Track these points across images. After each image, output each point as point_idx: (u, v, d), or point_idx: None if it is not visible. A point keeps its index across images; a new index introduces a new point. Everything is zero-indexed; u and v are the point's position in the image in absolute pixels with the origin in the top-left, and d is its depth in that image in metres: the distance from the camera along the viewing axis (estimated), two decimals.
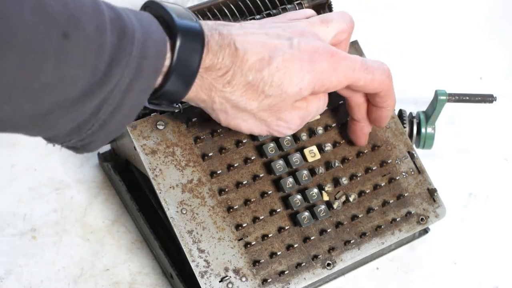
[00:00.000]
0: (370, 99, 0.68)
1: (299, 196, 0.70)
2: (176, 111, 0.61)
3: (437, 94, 0.80)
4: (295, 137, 0.72)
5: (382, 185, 0.74)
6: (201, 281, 0.66)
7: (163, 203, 0.67)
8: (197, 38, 0.56)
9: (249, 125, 0.62)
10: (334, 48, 0.62)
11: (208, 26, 0.58)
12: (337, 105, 0.74)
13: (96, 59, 0.50)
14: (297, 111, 0.62)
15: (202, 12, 0.74)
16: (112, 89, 0.51)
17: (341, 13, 0.67)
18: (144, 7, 0.59)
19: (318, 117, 0.73)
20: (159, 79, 0.55)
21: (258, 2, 0.75)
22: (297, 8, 0.76)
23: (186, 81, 0.56)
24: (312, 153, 0.72)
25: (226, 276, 0.67)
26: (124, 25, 0.51)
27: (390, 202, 0.74)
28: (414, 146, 0.79)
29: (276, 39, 0.60)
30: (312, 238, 0.70)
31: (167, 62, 0.55)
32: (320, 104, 0.65)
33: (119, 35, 0.51)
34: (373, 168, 0.74)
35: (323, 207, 0.71)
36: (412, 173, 0.75)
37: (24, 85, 0.47)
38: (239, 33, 0.59)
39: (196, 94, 0.59)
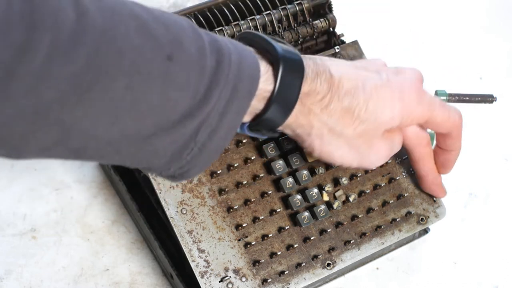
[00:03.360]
0: (440, 141, 0.69)
1: (299, 196, 0.70)
2: (276, 136, 0.61)
3: (437, 94, 0.80)
4: None
5: (382, 185, 0.74)
6: (201, 281, 0.66)
7: (163, 203, 0.67)
8: (297, 66, 0.57)
9: (342, 153, 0.63)
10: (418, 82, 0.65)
11: (302, 55, 0.59)
12: None
13: (198, 81, 0.50)
14: (387, 141, 0.64)
15: (202, 12, 0.74)
16: (210, 111, 0.52)
17: (413, 69, 0.68)
18: (239, 38, 0.60)
19: None
20: (260, 106, 0.56)
21: (258, 2, 0.75)
22: (297, 8, 0.75)
23: (287, 107, 0.57)
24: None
25: (226, 276, 0.67)
26: (221, 47, 0.52)
27: (390, 202, 0.74)
28: None
29: (364, 71, 0.63)
30: (312, 238, 0.70)
31: (269, 87, 0.56)
32: (400, 141, 0.66)
33: (217, 57, 0.52)
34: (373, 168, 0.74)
35: (323, 207, 0.71)
36: (412, 173, 0.75)
37: (131, 107, 0.48)
38: (332, 63, 0.61)
39: (296, 119, 0.59)
